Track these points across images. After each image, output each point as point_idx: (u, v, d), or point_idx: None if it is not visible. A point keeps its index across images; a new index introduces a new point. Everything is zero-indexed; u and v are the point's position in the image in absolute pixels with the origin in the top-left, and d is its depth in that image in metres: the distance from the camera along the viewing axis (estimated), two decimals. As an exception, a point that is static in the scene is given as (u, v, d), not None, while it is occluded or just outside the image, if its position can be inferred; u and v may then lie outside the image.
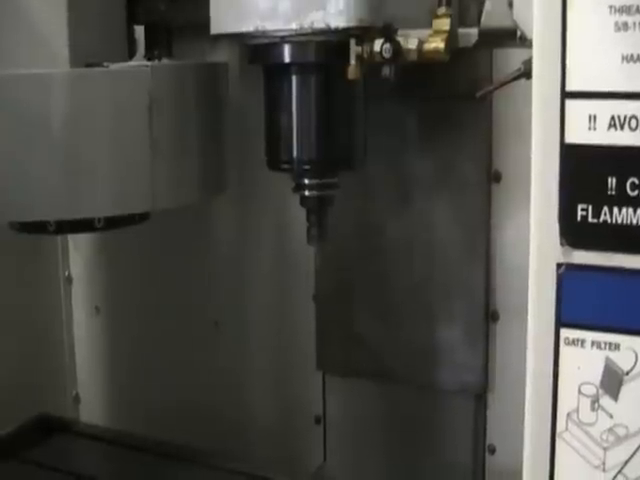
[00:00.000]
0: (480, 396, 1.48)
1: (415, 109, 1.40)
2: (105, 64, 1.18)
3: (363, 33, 1.10)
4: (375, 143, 1.28)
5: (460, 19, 1.22)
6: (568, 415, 0.86)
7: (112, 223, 1.22)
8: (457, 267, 1.43)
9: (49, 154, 1.12)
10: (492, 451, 1.50)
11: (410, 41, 1.10)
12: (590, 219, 0.82)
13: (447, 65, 1.13)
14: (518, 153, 1.31)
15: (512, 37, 1.08)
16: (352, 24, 1.07)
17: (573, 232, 0.83)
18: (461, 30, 1.18)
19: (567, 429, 0.86)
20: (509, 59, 1.23)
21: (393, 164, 1.43)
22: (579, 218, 0.83)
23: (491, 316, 1.45)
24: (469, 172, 1.39)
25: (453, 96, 1.35)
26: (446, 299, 1.45)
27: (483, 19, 1.28)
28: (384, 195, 1.46)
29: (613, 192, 0.81)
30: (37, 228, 1.22)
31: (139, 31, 1.40)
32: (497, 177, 1.40)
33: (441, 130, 1.39)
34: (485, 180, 1.40)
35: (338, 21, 1.07)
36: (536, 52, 0.83)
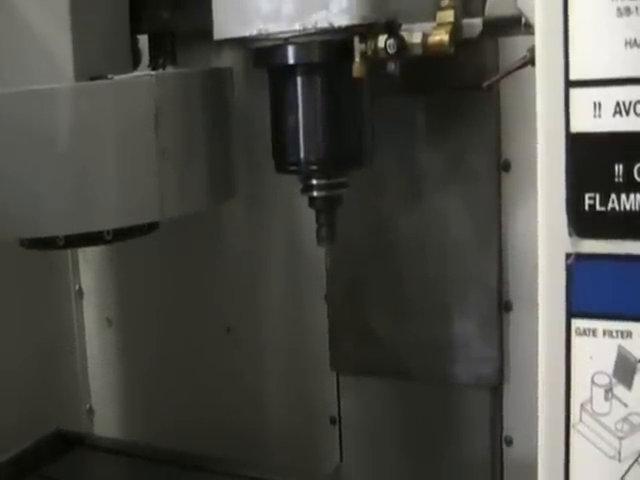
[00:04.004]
0: (496, 388, 1.48)
1: (422, 102, 1.41)
2: (109, 76, 1.19)
3: (367, 30, 1.10)
4: (383, 139, 1.28)
5: (464, 10, 1.21)
6: (582, 406, 0.86)
7: (121, 234, 1.21)
8: (469, 259, 1.43)
9: (56, 169, 1.11)
10: (509, 442, 1.51)
11: (414, 35, 1.09)
12: (598, 207, 0.82)
13: (453, 56, 1.13)
14: (527, 141, 1.29)
15: (517, 25, 1.07)
16: (355, 22, 1.07)
17: (581, 221, 0.83)
18: (465, 21, 1.18)
19: (581, 420, 0.86)
20: (515, 47, 1.23)
21: (402, 159, 1.44)
22: (587, 207, 0.83)
23: (504, 307, 1.45)
24: (478, 163, 1.40)
25: (460, 87, 1.35)
26: (459, 292, 1.45)
27: (487, 8, 1.28)
28: (394, 191, 1.46)
29: (620, 179, 0.81)
30: (46, 243, 1.22)
31: (143, 40, 1.40)
32: (506, 166, 1.41)
33: (449, 122, 1.40)
34: (495, 170, 1.41)
35: (341, 20, 1.07)
36: (539, 42, 0.83)
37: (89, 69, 1.19)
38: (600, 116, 0.81)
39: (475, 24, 1.20)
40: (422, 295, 1.48)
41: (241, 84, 1.39)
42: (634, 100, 0.79)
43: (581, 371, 0.86)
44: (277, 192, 1.58)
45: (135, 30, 1.33)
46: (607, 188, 0.82)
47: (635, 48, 0.78)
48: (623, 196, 0.81)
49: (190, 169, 1.22)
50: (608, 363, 0.85)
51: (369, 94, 1.21)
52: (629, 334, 0.83)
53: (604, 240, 0.83)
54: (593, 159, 0.82)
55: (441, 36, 1.09)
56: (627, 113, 0.80)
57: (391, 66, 1.10)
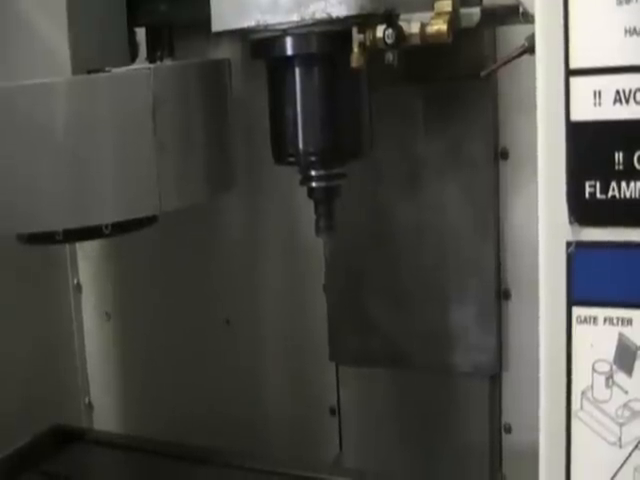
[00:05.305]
0: (494, 376, 1.49)
1: (420, 92, 1.41)
2: (107, 69, 1.18)
3: (365, 20, 1.09)
4: (381, 128, 1.29)
5: (462, -1, 1.21)
6: (583, 393, 0.87)
7: (120, 228, 1.20)
8: (467, 247, 1.44)
9: (54, 163, 1.11)
10: (508, 430, 1.52)
11: (412, 25, 1.09)
12: (598, 195, 0.83)
13: (451, 46, 1.12)
14: (524, 129, 1.32)
15: (515, 14, 1.08)
16: (353, 12, 1.07)
17: (582, 209, 0.84)
18: (463, 10, 1.17)
19: (582, 407, 0.87)
20: (513, 36, 1.23)
21: (400, 148, 1.44)
22: (587, 195, 0.83)
23: (503, 295, 1.46)
24: (477, 151, 1.41)
25: (458, 77, 1.36)
26: (457, 280, 1.46)
27: (485, -3, 1.29)
28: (392, 180, 1.46)
29: (621, 167, 0.81)
30: (44, 238, 1.21)
31: (141, 33, 1.40)
32: (504, 154, 1.42)
33: (447, 111, 1.40)
34: (493, 158, 1.42)
35: (339, 10, 1.07)
36: (539, 31, 0.84)
37: (86, 62, 1.18)
38: (600, 104, 0.81)
39: (473, 13, 1.19)
40: (421, 284, 1.48)
41: (239, 76, 1.39)
42: (634, 88, 0.80)
43: (582, 359, 0.86)
44: (276, 183, 1.58)
45: (132, 23, 1.33)
46: (607, 176, 0.82)
47: (635, 36, 0.79)
48: (623, 184, 0.82)
49: (188, 161, 1.22)
50: (609, 350, 0.85)
51: (367, 84, 1.21)
52: (629, 321, 0.84)
53: (605, 228, 0.83)
54: (593, 147, 0.82)
55: (439, 26, 1.09)
56: (627, 101, 0.80)
57: (389, 56, 1.10)
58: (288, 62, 1.18)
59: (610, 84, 0.80)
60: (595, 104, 0.81)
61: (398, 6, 1.11)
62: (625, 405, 0.85)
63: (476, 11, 1.19)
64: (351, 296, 1.54)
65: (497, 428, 1.52)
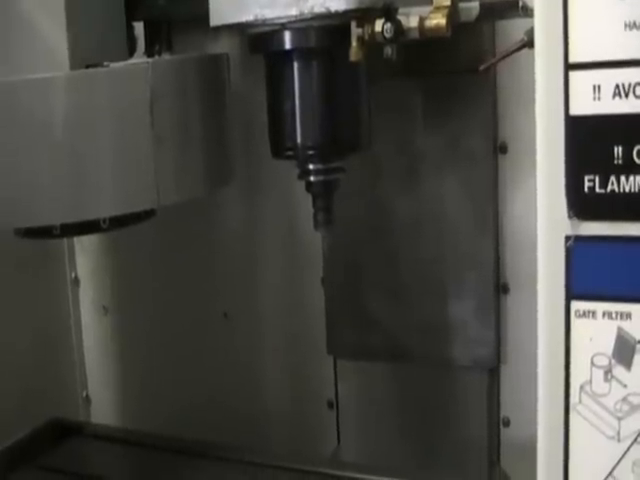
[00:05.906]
0: (493, 370, 1.49)
1: (419, 86, 1.41)
2: (105, 64, 1.18)
3: (364, 15, 1.09)
4: (381, 122, 1.29)
5: (461, -7, 1.21)
6: (581, 387, 0.87)
7: (118, 222, 1.20)
8: (466, 241, 1.44)
9: (52, 158, 1.11)
10: (506, 423, 1.52)
11: (411, 19, 1.09)
12: (597, 189, 0.83)
13: (450, 40, 1.12)
14: (524, 124, 1.31)
15: (514, 8, 1.08)
16: (352, 6, 1.07)
17: (580, 204, 0.84)
18: (462, 4, 1.17)
19: (580, 401, 0.87)
20: (512, 30, 1.22)
21: (399, 142, 1.44)
22: (586, 189, 0.83)
23: (502, 289, 1.46)
24: (476, 145, 1.41)
25: (457, 71, 1.36)
26: (456, 274, 1.46)
27: (484, -9, 1.28)
28: (391, 174, 1.46)
29: (620, 161, 0.81)
30: (42, 233, 1.21)
31: (139, 28, 1.40)
32: (503, 149, 1.42)
33: (446, 105, 1.41)
34: (492, 152, 1.42)
35: (338, 4, 1.07)
36: (538, 25, 0.83)
37: (85, 57, 1.18)
38: (599, 98, 0.81)
39: (472, 7, 1.19)
40: (419, 278, 1.48)
41: (237, 70, 1.39)
42: (633, 82, 0.80)
43: (581, 353, 0.86)
44: (274, 177, 1.58)
45: (131, 17, 1.33)
46: (606, 170, 0.82)
47: (634, 30, 0.79)
48: (622, 178, 0.82)
49: (186, 156, 1.21)
50: (607, 344, 0.85)
51: (366, 78, 1.21)
52: (628, 315, 0.84)
53: (604, 222, 0.83)
54: (592, 141, 0.82)
55: (438, 20, 1.09)
56: (626, 95, 0.80)
57: (388, 50, 1.10)
58: (287, 56, 1.18)
59: (610, 78, 0.80)
60: (594, 98, 0.81)
61: (397, 0, 1.11)
62: (624, 399, 0.85)
63: (475, 5, 1.19)
64: (349, 290, 1.54)
65: (495, 422, 1.52)
